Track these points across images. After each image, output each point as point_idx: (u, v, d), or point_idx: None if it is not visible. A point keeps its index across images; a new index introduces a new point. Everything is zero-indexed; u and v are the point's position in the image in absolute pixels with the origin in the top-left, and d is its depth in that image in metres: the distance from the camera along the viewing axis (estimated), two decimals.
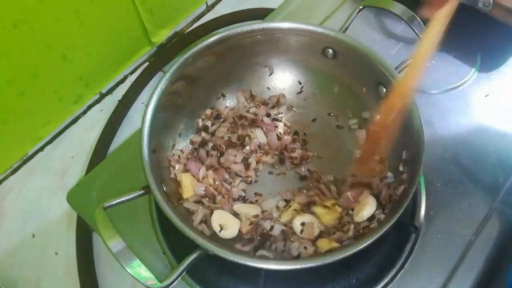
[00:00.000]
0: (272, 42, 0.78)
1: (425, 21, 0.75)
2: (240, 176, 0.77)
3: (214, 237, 0.70)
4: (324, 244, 0.68)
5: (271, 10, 1.02)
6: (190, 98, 0.78)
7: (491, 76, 0.89)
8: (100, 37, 0.87)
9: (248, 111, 0.81)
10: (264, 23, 0.77)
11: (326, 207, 0.72)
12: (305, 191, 0.75)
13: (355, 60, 0.74)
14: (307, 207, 0.73)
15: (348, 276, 0.72)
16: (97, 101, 0.96)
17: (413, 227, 0.72)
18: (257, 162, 0.78)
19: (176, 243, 0.75)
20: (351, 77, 0.78)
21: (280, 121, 0.82)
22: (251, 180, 0.77)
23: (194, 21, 1.07)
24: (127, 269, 0.56)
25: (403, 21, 0.77)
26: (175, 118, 0.77)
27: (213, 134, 0.80)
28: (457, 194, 0.78)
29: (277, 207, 0.73)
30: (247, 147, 0.78)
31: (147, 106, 0.68)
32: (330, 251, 0.64)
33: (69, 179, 0.88)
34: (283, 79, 0.84)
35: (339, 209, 0.72)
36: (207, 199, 0.73)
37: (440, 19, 0.58)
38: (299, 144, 0.80)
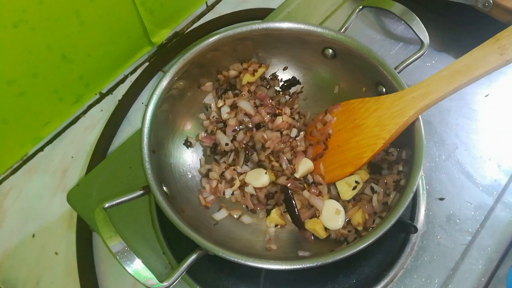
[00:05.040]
0: (272, 42, 0.78)
1: (425, 22, 0.76)
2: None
3: (218, 234, 0.70)
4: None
5: (271, 10, 1.02)
6: (190, 98, 0.78)
7: (491, 76, 0.89)
8: (100, 37, 0.87)
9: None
10: (264, 23, 0.77)
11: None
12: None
13: (355, 60, 0.74)
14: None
15: (348, 276, 0.72)
16: (97, 101, 0.96)
17: (413, 227, 0.72)
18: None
19: (176, 243, 0.75)
20: (351, 77, 0.78)
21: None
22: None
23: (194, 21, 1.07)
24: (127, 269, 0.56)
25: (403, 21, 0.77)
26: (176, 118, 0.77)
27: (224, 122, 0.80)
28: (457, 194, 0.78)
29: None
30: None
31: (147, 106, 0.68)
32: (331, 251, 0.64)
33: (69, 179, 0.88)
34: (283, 79, 0.84)
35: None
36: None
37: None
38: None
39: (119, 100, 0.96)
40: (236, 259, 0.58)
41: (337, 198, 0.73)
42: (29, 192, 0.87)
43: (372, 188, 0.71)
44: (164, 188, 0.67)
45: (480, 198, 0.78)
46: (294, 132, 0.79)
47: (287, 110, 0.81)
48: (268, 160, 0.77)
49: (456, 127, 0.85)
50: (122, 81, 0.99)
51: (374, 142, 0.68)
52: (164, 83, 0.70)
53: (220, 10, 1.08)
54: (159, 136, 0.71)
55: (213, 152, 0.80)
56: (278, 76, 0.83)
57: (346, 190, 0.72)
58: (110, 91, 0.98)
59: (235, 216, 0.75)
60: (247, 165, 0.79)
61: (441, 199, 0.78)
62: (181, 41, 1.02)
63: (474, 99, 0.88)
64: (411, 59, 0.75)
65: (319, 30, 0.75)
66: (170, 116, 0.75)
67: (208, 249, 0.59)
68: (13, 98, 0.79)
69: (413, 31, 0.76)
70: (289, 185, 0.74)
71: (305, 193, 0.73)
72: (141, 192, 0.64)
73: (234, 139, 0.79)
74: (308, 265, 0.57)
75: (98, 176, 0.82)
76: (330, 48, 0.77)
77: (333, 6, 1.01)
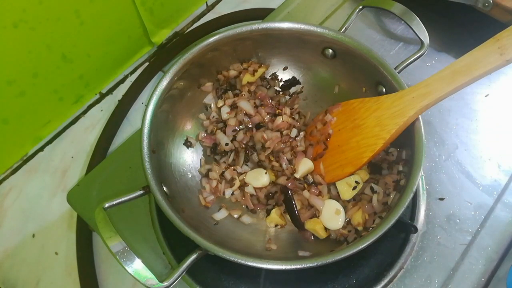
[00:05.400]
0: (272, 42, 0.78)
1: (425, 22, 0.76)
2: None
3: (218, 234, 0.70)
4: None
5: (271, 10, 1.02)
6: (190, 98, 0.78)
7: (491, 76, 0.89)
8: (100, 37, 0.87)
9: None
10: (264, 23, 0.77)
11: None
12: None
13: (355, 60, 0.74)
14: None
15: (348, 276, 0.72)
16: (97, 101, 0.96)
17: (413, 227, 0.72)
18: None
19: (176, 243, 0.75)
20: (351, 77, 0.78)
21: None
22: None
23: (194, 21, 1.07)
24: (127, 269, 0.56)
25: (403, 21, 0.77)
26: (176, 118, 0.77)
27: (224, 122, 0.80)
28: (457, 194, 0.78)
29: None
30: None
31: (147, 106, 0.68)
32: (331, 251, 0.64)
33: (69, 179, 0.88)
34: (283, 79, 0.84)
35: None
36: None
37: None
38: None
39: (119, 100, 0.96)
40: (236, 259, 0.58)
41: (337, 198, 0.73)
42: (29, 192, 0.87)
43: (372, 188, 0.71)
44: (164, 188, 0.67)
45: (480, 198, 0.78)
46: (294, 132, 0.79)
47: (287, 110, 0.81)
48: (268, 160, 0.78)
49: (456, 127, 0.85)
50: (122, 81, 0.99)
51: (374, 142, 0.68)
52: (164, 83, 0.70)
53: (220, 10, 1.08)
54: (159, 136, 0.71)
55: (213, 152, 0.80)
56: (278, 76, 0.83)
57: (346, 190, 0.72)
58: (110, 91, 0.98)
59: (235, 216, 0.75)
60: (247, 165, 0.79)
61: (441, 199, 0.78)
62: (181, 41, 1.02)
63: (474, 99, 0.88)
64: (411, 59, 0.75)
65: (319, 30, 0.75)
66: (170, 116, 0.75)
67: (208, 249, 0.59)
68: (13, 98, 0.79)
69: (413, 31, 0.76)
70: (289, 185, 0.74)
71: (305, 193, 0.73)
72: (141, 192, 0.64)
73: (234, 139, 0.79)
74: (308, 265, 0.57)
75: (98, 176, 0.82)
76: (330, 48, 0.77)
77: (333, 6, 1.01)
